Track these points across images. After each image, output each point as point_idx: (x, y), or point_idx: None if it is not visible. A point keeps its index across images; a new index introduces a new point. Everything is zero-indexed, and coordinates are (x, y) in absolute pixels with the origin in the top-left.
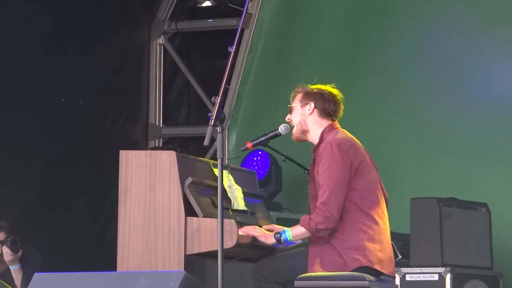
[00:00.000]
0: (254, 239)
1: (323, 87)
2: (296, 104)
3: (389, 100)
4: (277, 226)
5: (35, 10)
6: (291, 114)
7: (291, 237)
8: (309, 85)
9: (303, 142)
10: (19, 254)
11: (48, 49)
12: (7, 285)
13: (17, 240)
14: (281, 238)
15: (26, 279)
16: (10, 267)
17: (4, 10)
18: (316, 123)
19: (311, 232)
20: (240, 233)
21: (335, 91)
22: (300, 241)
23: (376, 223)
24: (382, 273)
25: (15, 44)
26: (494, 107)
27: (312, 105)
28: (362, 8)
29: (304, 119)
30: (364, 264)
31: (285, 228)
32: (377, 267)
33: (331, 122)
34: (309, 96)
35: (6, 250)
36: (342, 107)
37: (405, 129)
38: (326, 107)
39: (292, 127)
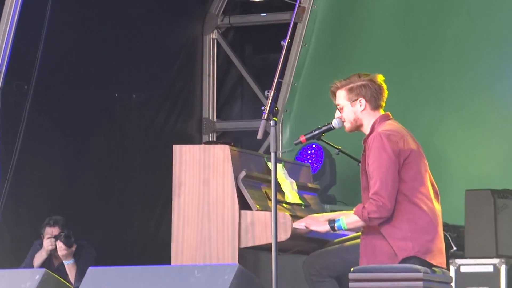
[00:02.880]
0: (307, 230)
1: (360, 76)
2: (344, 102)
3: (441, 92)
4: (327, 214)
5: (90, 6)
6: (341, 112)
7: (345, 225)
8: (345, 79)
9: (356, 131)
10: (73, 249)
11: (102, 44)
12: (61, 279)
13: (71, 235)
14: (335, 225)
15: (80, 273)
16: (64, 261)
17: (61, 7)
18: (370, 116)
19: (364, 221)
20: (293, 226)
21: (374, 76)
22: (353, 233)
23: (426, 213)
24: (431, 264)
25: (69, 41)
26: None
27: (363, 100)
28: (413, 2)
29: (358, 116)
30: (412, 255)
31: (340, 216)
32: (425, 257)
33: (382, 114)
34: (355, 91)
35: (60, 245)
36: (385, 86)
37: (457, 120)
38: (375, 96)
39: (344, 126)
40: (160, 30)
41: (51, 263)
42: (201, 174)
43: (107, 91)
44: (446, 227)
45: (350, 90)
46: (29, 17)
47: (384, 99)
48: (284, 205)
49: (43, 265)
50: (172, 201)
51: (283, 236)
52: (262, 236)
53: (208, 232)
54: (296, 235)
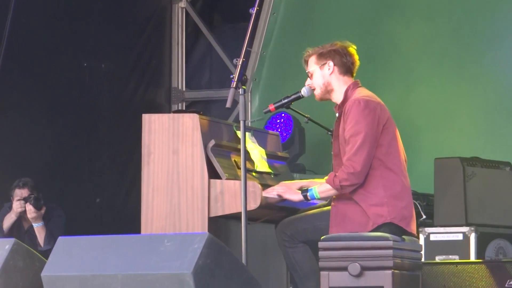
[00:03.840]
0: (279, 199)
1: (332, 44)
2: (313, 67)
3: (410, 61)
4: (299, 181)
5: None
6: (311, 79)
7: (317, 195)
8: (318, 46)
9: (326, 101)
10: (42, 211)
11: (70, 14)
12: (31, 249)
13: (41, 198)
14: (308, 194)
15: (49, 236)
16: (33, 224)
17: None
18: (340, 81)
19: (336, 189)
20: (263, 194)
21: (346, 43)
22: (324, 202)
23: (400, 180)
24: (405, 231)
25: (37, 11)
26: None
27: (331, 63)
28: None
29: (327, 79)
30: (388, 221)
31: (312, 185)
32: (401, 224)
33: (354, 81)
34: (324, 55)
35: (29, 207)
36: (357, 57)
37: (426, 89)
38: (344, 61)
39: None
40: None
41: (21, 225)
42: (170, 143)
43: (76, 61)
44: (416, 195)
45: (320, 55)
46: None
47: (355, 68)
48: (254, 173)
49: (12, 227)
50: (142, 170)
51: (253, 205)
52: (232, 205)
53: (177, 201)
54: (266, 203)
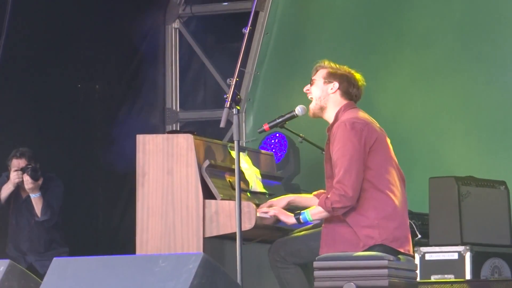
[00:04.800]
0: (273, 219)
1: (348, 69)
2: (318, 79)
3: (404, 80)
4: (287, 196)
5: None
6: (311, 86)
7: (310, 217)
8: (335, 64)
9: (318, 118)
10: (40, 182)
11: (63, 35)
12: (26, 270)
13: (38, 168)
14: (300, 217)
15: (47, 207)
16: (30, 195)
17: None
18: (336, 103)
19: (328, 212)
20: (258, 214)
21: (359, 76)
22: (318, 221)
23: (392, 201)
24: (399, 251)
25: (32, 31)
26: (510, 85)
27: (336, 85)
28: None
29: (325, 96)
30: (379, 242)
31: (304, 210)
32: (393, 245)
33: (347, 102)
34: (334, 75)
35: (26, 178)
36: (362, 92)
37: (420, 108)
38: (350, 90)
39: (308, 108)
40: (122, 20)
41: (19, 195)
42: (165, 163)
43: (70, 81)
44: (411, 214)
45: (331, 73)
46: None
47: (356, 99)
48: (248, 194)
49: (9, 197)
50: (136, 191)
51: (248, 225)
52: (227, 225)
53: (172, 222)
54: (261, 224)
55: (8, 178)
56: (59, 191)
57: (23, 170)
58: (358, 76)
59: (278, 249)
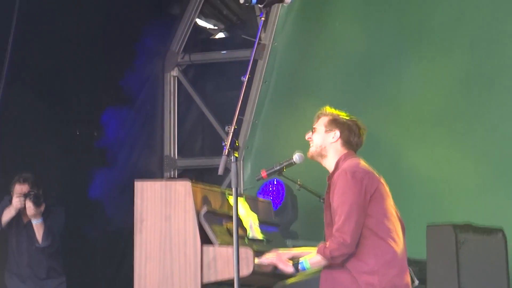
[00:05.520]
0: (272, 267)
1: (349, 117)
2: (320, 127)
3: (401, 127)
4: (291, 250)
5: (52, 41)
6: (312, 133)
7: (308, 266)
8: (336, 111)
9: (317, 162)
10: (42, 208)
11: (63, 82)
12: None
13: (41, 195)
14: (299, 267)
15: (48, 233)
16: (32, 220)
17: (23, 40)
18: (336, 152)
19: (327, 260)
20: (256, 261)
21: (361, 124)
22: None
23: (392, 248)
24: None
25: (30, 78)
26: (509, 133)
27: (338, 133)
28: (375, 39)
29: (326, 145)
30: None
31: (303, 257)
32: None
33: (347, 151)
34: (336, 123)
35: (29, 204)
36: (364, 140)
37: (418, 154)
38: (351, 139)
39: (306, 154)
40: (121, 67)
41: (20, 220)
42: (163, 210)
43: (68, 129)
44: (408, 261)
45: (332, 121)
46: None
47: (357, 147)
48: (246, 240)
49: (11, 221)
50: (134, 237)
51: (245, 271)
52: (225, 271)
53: (170, 268)
54: (258, 270)
55: (10, 202)
56: (61, 218)
57: (25, 196)
58: (360, 124)
59: None
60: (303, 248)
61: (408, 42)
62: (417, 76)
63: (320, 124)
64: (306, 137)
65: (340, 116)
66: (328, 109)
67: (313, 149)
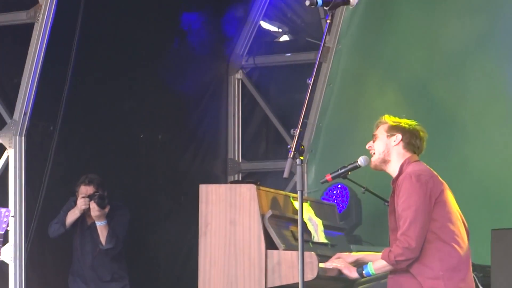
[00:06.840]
0: (337, 271)
1: (409, 121)
2: (381, 133)
3: (465, 131)
4: (355, 254)
5: (114, 47)
6: (373, 142)
7: (373, 271)
8: (395, 117)
9: (380, 171)
10: (106, 210)
11: (128, 86)
12: None
13: (105, 196)
14: (363, 272)
15: (112, 235)
16: (96, 222)
17: (86, 49)
18: (399, 155)
19: (391, 265)
20: (321, 265)
21: (420, 128)
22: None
23: (457, 253)
24: None
25: (94, 82)
26: None
27: (399, 136)
28: (439, 44)
29: (388, 149)
30: None
31: (367, 262)
32: None
33: (410, 155)
34: (396, 128)
35: (93, 206)
36: (425, 144)
37: (483, 158)
38: (413, 141)
39: (370, 160)
40: (186, 71)
41: (84, 221)
42: (228, 213)
43: (133, 132)
44: (473, 266)
45: (393, 126)
46: (54, 58)
47: (419, 151)
48: (311, 244)
49: (75, 222)
50: (199, 241)
51: (310, 275)
52: (289, 275)
53: (234, 272)
54: (323, 275)
55: (75, 203)
56: (125, 220)
57: (90, 197)
58: (419, 127)
59: None
60: (366, 253)
61: (476, 47)
62: (482, 80)
63: (381, 131)
64: (367, 146)
65: (400, 121)
66: (387, 117)
67: (375, 157)
